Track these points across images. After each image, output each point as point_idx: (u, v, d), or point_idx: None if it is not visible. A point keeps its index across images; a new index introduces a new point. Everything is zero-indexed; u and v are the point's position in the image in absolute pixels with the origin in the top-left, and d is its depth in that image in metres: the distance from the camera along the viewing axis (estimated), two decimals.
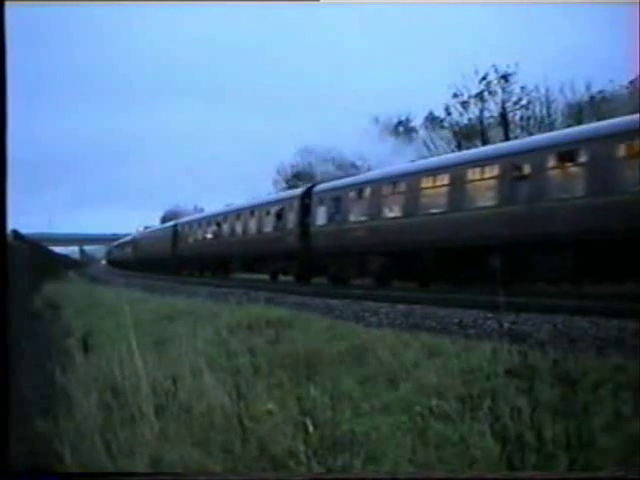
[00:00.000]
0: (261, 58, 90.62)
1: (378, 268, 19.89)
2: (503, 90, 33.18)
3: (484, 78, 33.14)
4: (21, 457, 3.78)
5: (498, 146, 20.91)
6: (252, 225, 29.37)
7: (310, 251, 23.47)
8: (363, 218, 20.70)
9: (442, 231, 17.07)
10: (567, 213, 13.87)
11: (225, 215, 33.85)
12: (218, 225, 34.11)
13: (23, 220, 31.66)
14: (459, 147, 33.94)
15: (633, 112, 14.60)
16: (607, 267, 13.23)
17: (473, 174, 16.63)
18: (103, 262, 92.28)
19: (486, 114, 34.13)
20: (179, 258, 39.86)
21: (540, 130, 29.41)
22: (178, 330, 7.77)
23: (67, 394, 4.84)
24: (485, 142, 31.43)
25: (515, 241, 14.93)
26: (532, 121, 32.35)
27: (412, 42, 64.49)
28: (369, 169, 29.43)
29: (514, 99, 32.99)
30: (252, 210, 29.99)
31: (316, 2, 18.45)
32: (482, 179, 16.39)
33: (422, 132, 39.06)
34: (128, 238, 63.69)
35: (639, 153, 12.73)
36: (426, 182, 18.22)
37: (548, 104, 31.92)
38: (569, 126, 25.15)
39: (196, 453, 3.62)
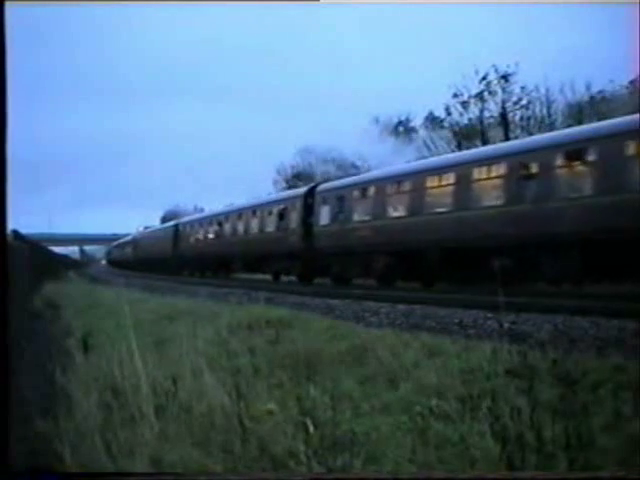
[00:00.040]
0: (261, 58, 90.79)
1: (382, 268, 19.74)
2: (503, 90, 33.17)
3: (484, 78, 33.13)
4: (21, 457, 3.79)
5: (505, 145, 20.73)
6: (254, 225, 29.12)
7: (313, 251, 23.30)
8: (367, 218, 20.50)
9: (447, 231, 16.91)
10: (575, 212, 13.69)
11: (227, 215, 33.59)
12: (220, 225, 33.85)
13: (23, 220, 31.65)
14: (459, 147, 33.90)
15: (633, 112, 14.55)
16: (615, 267, 13.11)
17: (479, 173, 16.46)
18: (103, 262, 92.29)
19: (486, 114, 34.13)
20: (180, 258, 39.70)
21: (540, 130, 29.36)
22: (178, 330, 7.76)
23: (67, 394, 4.85)
24: (485, 142, 31.38)
25: (522, 241, 14.79)
26: (532, 121, 32.31)
27: (412, 42, 64.68)
28: (369, 169, 29.36)
29: (514, 99, 32.97)
30: (254, 210, 29.73)
31: (316, 2, 18.44)
32: (488, 178, 16.21)
33: (422, 132, 39.05)
34: (128, 238, 63.66)
35: None
36: (431, 181, 18.04)
37: (548, 104, 31.91)
38: (569, 126, 25.07)
39: (196, 453, 3.62)
